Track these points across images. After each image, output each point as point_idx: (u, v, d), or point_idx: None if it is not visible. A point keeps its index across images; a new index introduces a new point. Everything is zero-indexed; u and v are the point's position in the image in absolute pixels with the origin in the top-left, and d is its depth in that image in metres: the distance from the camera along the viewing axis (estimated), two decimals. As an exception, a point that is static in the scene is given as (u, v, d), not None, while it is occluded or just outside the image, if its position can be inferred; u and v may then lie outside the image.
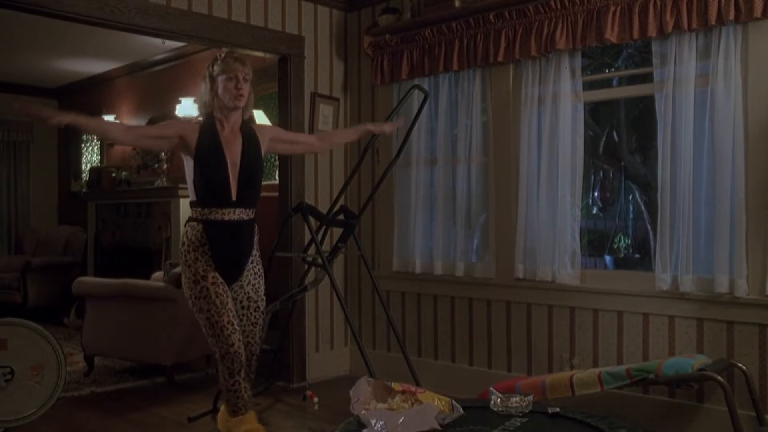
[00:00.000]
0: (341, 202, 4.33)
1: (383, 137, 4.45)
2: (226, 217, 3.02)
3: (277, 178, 5.09)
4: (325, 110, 4.83)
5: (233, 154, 3.04)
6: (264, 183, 5.99)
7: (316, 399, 4.16)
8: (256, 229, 3.20)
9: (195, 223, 3.04)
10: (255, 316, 3.18)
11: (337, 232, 4.19)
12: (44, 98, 8.60)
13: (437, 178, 4.47)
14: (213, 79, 3.02)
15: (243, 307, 3.15)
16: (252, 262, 3.16)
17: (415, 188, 4.57)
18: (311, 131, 4.75)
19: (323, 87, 4.88)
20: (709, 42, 3.39)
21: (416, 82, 4.40)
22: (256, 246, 3.19)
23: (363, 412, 2.39)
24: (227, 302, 2.99)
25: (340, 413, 3.61)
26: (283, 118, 4.72)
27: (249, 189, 3.08)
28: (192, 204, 3.08)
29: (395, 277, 4.70)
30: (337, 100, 4.94)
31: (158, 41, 5.73)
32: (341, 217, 3.96)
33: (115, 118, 7.66)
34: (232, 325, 2.97)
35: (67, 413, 4.02)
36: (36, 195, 8.68)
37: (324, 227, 4.08)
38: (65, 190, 8.68)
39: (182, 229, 3.15)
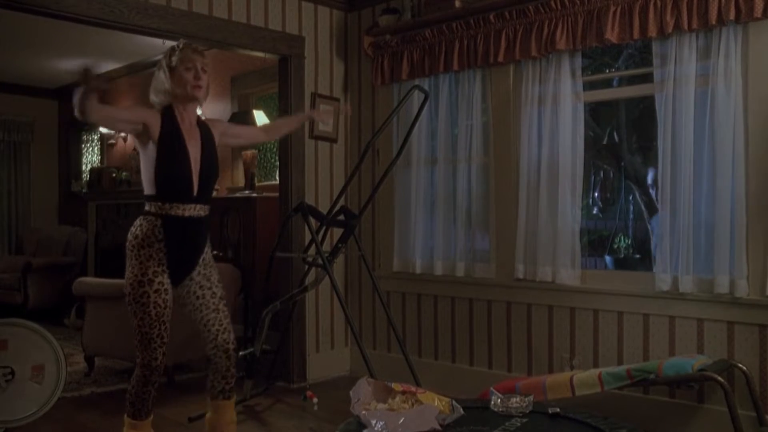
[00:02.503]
0: (341, 202, 4.33)
1: (383, 137, 4.45)
2: (186, 213, 2.92)
3: (277, 177, 5.09)
4: (325, 110, 4.83)
5: (194, 149, 2.96)
6: (264, 183, 6.06)
7: (315, 399, 4.16)
8: (208, 226, 3.10)
9: (152, 218, 2.91)
10: (213, 303, 3.03)
11: (338, 232, 4.19)
12: (44, 98, 8.61)
13: (437, 178, 4.47)
14: (171, 69, 2.93)
15: (197, 297, 3.02)
16: (203, 259, 3.05)
17: (415, 188, 4.57)
18: (311, 131, 4.76)
19: (323, 87, 4.89)
20: (710, 42, 3.39)
21: (416, 82, 4.40)
22: (208, 243, 3.09)
23: (363, 412, 2.39)
24: (163, 314, 2.90)
25: (340, 413, 3.61)
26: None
27: (208, 184, 3.01)
28: (149, 197, 2.95)
29: (395, 278, 4.70)
30: (338, 100, 4.94)
31: (158, 41, 5.72)
32: (341, 217, 3.96)
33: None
34: (161, 339, 2.93)
35: (68, 413, 4.02)
36: (36, 195, 8.68)
37: (324, 227, 4.08)
38: (66, 191, 8.69)
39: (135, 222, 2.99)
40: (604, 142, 5.51)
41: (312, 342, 4.80)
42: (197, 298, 3.02)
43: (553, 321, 3.98)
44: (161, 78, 2.96)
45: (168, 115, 2.95)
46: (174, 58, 2.93)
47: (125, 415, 2.96)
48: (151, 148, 2.90)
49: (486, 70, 4.23)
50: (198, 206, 2.96)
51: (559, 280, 3.89)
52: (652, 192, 4.44)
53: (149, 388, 2.93)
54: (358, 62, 4.97)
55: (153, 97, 3.02)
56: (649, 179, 4.44)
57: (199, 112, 3.18)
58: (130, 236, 2.94)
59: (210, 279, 3.04)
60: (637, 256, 5.40)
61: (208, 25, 4.19)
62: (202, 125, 3.07)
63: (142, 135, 2.91)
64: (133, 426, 2.94)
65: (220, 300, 3.06)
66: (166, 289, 2.90)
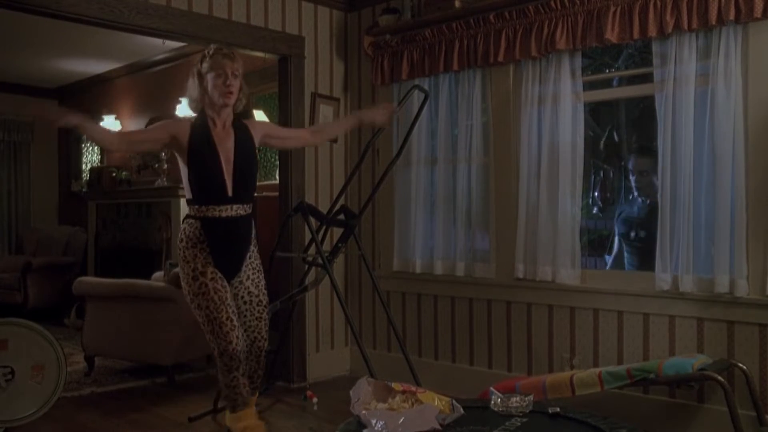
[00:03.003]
0: (341, 201, 4.33)
1: (383, 137, 4.45)
2: (224, 214, 3.01)
3: (277, 177, 5.09)
4: (325, 110, 4.83)
5: (226, 150, 3.02)
6: (264, 183, 6.06)
7: (315, 399, 4.16)
8: (253, 224, 3.20)
9: (192, 221, 3.03)
10: (258, 311, 3.17)
11: (338, 231, 4.19)
12: (44, 99, 8.61)
13: (437, 178, 4.47)
14: (201, 77, 2.99)
15: (245, 302, 3.14)
16: (250, 257, 3.16)
17: (415, 188, 4.57)
18: (311, 131, 4.76)
19: (323, 87, 4.89)
20: (710, 42, 3.39)
21: (416, 82, 4.40)
22: (253, 241, 3.18)
23: (363, 412, 2.39)
24: (226, 298, 2.97)
25: (340, 413, 3.61)
26: (283, 118, 4.72)
27: (244, 184, 3.07)
28: (189, 202, 3.07)
29: (396, 277, 4.70)
30: (338, 100, 4.94)
31: (158, 41, 5.74)
32: (341, 216, 3.96)
33: (116, 119, 7.67)
34: (231, 321, 2.96)
35: (68, 413, 4.02)
36: (36, 195, 8.68)
37: (324, 227, 4.08)
38: (66, 190, 8.68)
39: (180, 226, 3.15)
40: (604, 142, 5.52)
41: (312, 342, 4.80)
42: (245, 303, 3.13)
43: (553, 320, 3.98)
44: (192, 85, 3.03)
45: (200, 121, 3.02)
46: (204, 65, 2.98)
47: (226, 411, 3.08)
48: (184, 156, 3.00)
49: (486, 70, 4.23)
50: (236, 206, 3.03)
51: (559, 279, 3.89)
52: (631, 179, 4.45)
53: (235, 374, 2.99)
54: (358, 62, 4.97)
55: (188, 105, 3.14)
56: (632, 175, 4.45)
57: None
58: (178, 241, 3.08)
59: (258, 286, 3.17)
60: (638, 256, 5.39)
61: (208, 25, 4.19)
62: (240, 126, 3.11)
63: (174, 147, 3.02)
64: (235, 419, 3.02)
65: (264, 309, 3.19)
66: (221, 277, 3.00)
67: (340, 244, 4.00)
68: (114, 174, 7.59)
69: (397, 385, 2.59)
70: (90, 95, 8.19)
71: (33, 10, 3.63)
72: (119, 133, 2.84)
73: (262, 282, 3.21)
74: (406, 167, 4.60)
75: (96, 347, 4.91)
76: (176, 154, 3.09)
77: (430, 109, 4.46)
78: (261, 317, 3.18)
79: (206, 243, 3.00)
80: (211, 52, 3.00)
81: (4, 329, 3.57)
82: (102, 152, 8.37)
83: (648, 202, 4.30)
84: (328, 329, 4.92)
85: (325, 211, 4.06)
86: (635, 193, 4.46)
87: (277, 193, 4.87)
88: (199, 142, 2.99)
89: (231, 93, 3.00)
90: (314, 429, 3.75)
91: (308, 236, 4.15)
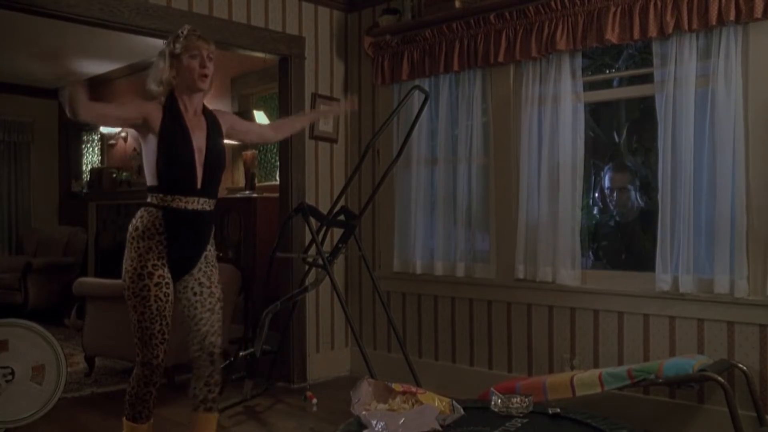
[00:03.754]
0: (342, 202, 4.32)
1: (383, 138, 4.45)
2: (189, 206, 2.79)
3: (277, 178, 5.09)
4: (329, 108, 4.81)
5: (198, 139, 2.82)
6: (265, 183, 6.06)
7: (315, 400, 4.16)
8: (213, 223, 2.97)
9: (153, 209, 2.79)
10: (210, 302, 2.90)
11: (338, 232, 4.19)
12: (44, 99, 8.62)
13: (438, 178, 4.47)
14: (175, 57, 2.80)
15: (194, 293, 2.89)
16: (206, 257, 2.93)
17: (415, 189, 4.57)
18: (312, 132, 4.76)
19: (324, 88, 4.89)
20: (710, 42, 3.39)
21: (417, 82, 4.40)
22: (211, 240, 2.96)
23: (363, 412, 2.39)
24: (165, 309, 2.78)
25: (340, 414, 3.61)
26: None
27: (214, 177, 2.87)
28: (151, 189, 2.82)
29: (396, 278, 4.70)
30: (338, 100, 4.94)
31: (159, 42, 5.70)
32: (342, 217, 3.96)
33: (116, 119, 7.65)
34: (163, 335, 2.82)
35: (68, 414, 4.02)
36: (37, 195, 8.69)
37: (325, 228, 4.08)
38: (66, 191, 8.69)
39: (137, 213, 2.88)
40: (604, 142, 5.50)
41: (312, 342, 4.80)
42: (194, 294, 2.88)
43: (553, 321, 3.98)
44: (161, 66, 2.82)
45: (171, 105, 2.82)
46: (178, 45, 2.79)
47: (124, 418, 2.85)
48: (152, 139, 2.77)
49: (486, 71, 4.23)
50: (202, 200, 2.82)
51: (560, 280, 3.89)
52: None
53: (150, 388, 2.81)
54: (358, 62, 4.97)
55: (152, 86, 2.87)
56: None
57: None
58: (130, 227, 2.81)
59: (210, 278, 2.91)
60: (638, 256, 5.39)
61: (209, 26, 4.19)
62: (209, 115, 2.92)
63: (141, 127, 2.79)
64: (132, 429, 2.82)
65: (217, 301, 2.92)
66: (167, 283, 2.78)
67: (340, 245, 4.00)
68: (114, 175, 7.60)
69: (397, 386, 2.59)
70: (91, 96, 8.12)
71: (33, 11, 3.63)
72: (90, 102, 2.62)
73: (216, 275, 2.95)
74: (406, 168, 4.60)
75: (96, 348, 4.90)
76: (141, 137, 2.85)
77: (431, 109, 4.46)
78: (213, 309, 2.90)
79: (164, 236, 2.76)
80: (185, 33, 2.82)
81: (5, 330, 3.57)
82: (102, 153, 8.38)
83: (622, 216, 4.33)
84: (328, 330, 4.92)
85: (325, 212, 4.06)
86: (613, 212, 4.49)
87: (277, 194, 4.87)
88: (171, 127, 2.78)
89: (206, 75, 2.80)
90: (314, 429, 3.75)
91: (308, 237, 4.15)
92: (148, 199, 2.81)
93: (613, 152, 4.69)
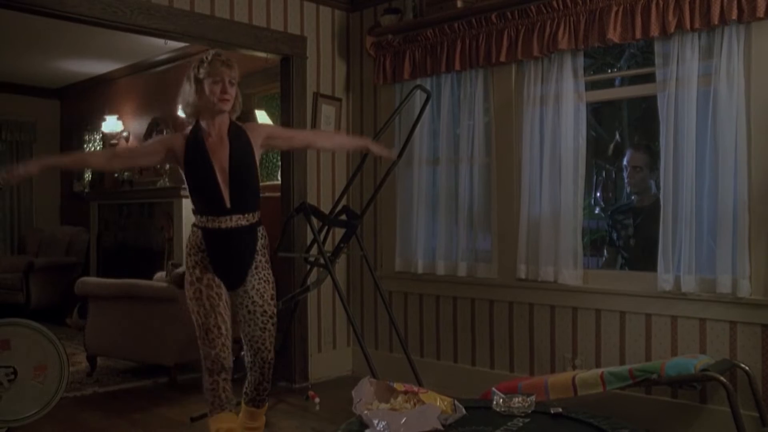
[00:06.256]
0: (343, 202, 4.33)
1: (385, 137, 4.44)
2: (223, 225, 2.95)
3: (279, 178, 5.09)
4: (327, 110, 4.83)
5: (221, 159, 2.95)
6: (266, 183, 6.06)
7: (317, 399, 4.16)
8: (261, 233, 3.09)
9: (196, 229, 3.03)
10: (262, 321, 3.07)
11: (340, 232, 4.19)
12: (46, 99, 8.62)
13: (439, 178, 4.47)
14: (198, 82, 2.93)
15: (248, 312, 3.07)
16: (256, 268, 3.06)
17: (417, 188, 4.57)
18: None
19: (325, 87, 4.89)
20: (712, 42, 3.39)
21: (418, 82, 4.40)
22: (261, 251, 3.07)
23: (365, 412, 2.39)
24: (218, 305, 2.95)
25: (342, 413, 3.61)
26: (285, 118, 4.72)
27: (243, 193, 2.98)
28: (193, 211, 3.06)
29: (397, 278, 4.70)
30: (340, 100, 4.94)
31: (161, 42, 5.74)
32: (343, 217, 3.96)
33: (118, 119, 7.68)
34: (218, 328, 2.94)
35: (70, 413, 4.03)
36: (39, 195, 8.69)
37: (326, 227, 4.08)
38: (68, 191, 8.69)
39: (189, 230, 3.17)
40: (606, 142, 5.51)
41: (314, 342, 4.81)
42: (248, 312, 3.08)
43: (555, 321, 3.98)
44: (187, 89, 2.99)
45: (194, 132, 2.99)
46: (201, 70, 2.92)
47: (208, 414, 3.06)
48: (182, 169, 3.01)
49: (488, 70, 4.23)
50: (235, 216, 2.97)
51: (562, 280, 3.88)
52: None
53: (215, 378, 2.96)
54: (360, 62, 4.97)
55: (182, 109, 3.10)
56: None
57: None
58: (184, 246, 3.12)
59: (263, 296, 3.08)
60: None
61: (210, 26, 4.19)
62: (236, 132, 3.02)
63: (172, 159, 3.02)
64: (213, 421, 2.99)
65: (269, 319, 3.11)
66: (218, 284, 2.99)
67: (342, 245, 4.00)
68: (116, 174, 7.59)
69: (399, 386, 2.59)
70: (92, 96, 8.19)
71: (35, 11, 3.63)
72: (111, 153, 2.79)
73: (269, 293, 3.10)
74: (408, 167, 4.60)
75: (98, 347, 4.91)
76: (178, 167, 3.08)
77: (432, 109, 4.46)
78: (265, 328, 3.08)
79: (207, 252, 2.98)
80: (209, 58, 2.94)
81: (7, 329, 3.58)
82: (104, 152, 8.37)
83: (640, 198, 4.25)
84: (330, 329, 4.92)
85: (327, 212, 4.06)
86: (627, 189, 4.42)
87: (279, 193, 4.87)
88: (193, 155, 2.96)
89: (227, 100, 2.94)
90: (316, 429, 3.75)
91: (310, 236, 4.15)
92: (194, 221, 3.07)
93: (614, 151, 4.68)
